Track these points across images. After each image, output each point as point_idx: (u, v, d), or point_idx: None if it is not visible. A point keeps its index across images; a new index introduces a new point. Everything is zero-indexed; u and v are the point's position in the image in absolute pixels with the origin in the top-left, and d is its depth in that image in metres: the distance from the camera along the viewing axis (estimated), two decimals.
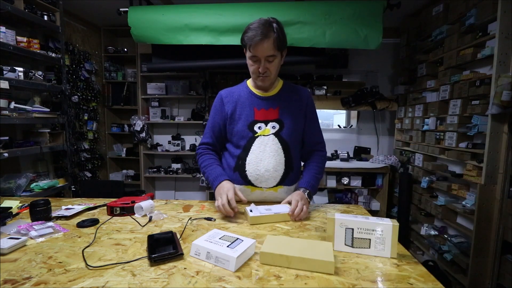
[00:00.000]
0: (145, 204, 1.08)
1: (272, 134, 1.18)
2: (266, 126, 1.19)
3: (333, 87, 3.30)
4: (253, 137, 1.18)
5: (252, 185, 1.20)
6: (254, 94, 1.22)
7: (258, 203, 1.24)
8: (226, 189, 1.07)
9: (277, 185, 1.20)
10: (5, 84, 1.89)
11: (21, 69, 2.10)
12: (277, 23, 1.08)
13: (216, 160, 1.24)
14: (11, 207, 1.14)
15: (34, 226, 0.92)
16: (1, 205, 1.18)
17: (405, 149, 2.96)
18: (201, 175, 3.28)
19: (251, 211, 1.03)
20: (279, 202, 1.18)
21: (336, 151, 3.27)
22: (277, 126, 1.19)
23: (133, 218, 1.06)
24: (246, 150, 1.18)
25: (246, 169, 1.18)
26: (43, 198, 1.06)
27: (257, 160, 1.17)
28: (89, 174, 3.22)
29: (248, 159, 1.18)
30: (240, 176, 1.20)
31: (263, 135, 1.18)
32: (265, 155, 1.17)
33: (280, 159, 1.18)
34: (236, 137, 1.21)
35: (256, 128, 1.19)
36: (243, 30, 1.11)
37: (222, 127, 1.24)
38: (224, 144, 1.29)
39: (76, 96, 2.96)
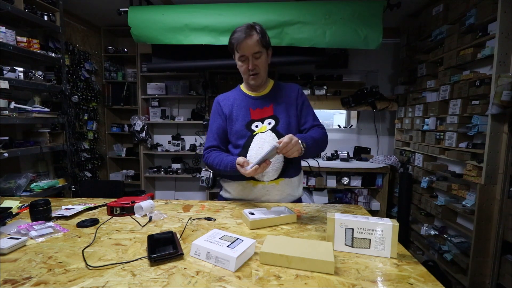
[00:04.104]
0: (145, 204, 1.08)
1: (269, 130, 1.22)
2: (263, 123, 1.24)
3: (333, 87, 3.30)
4: (251, 135, 1.22)
5: (254, 179, 1.22)
6: (248, 95, 1.29)
7: (257, 205, 1.24)
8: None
9: (278, 178, 1.22)
10: (5, 84, 1.89)
11: (21, 69, 2.10)
12: (259, 26, 1.17)
13: (224, 153, 1.25)
14: (11, 207, 1.14)
15: (34, 226, 0.92)
16: (1, 205, 1.18)
17: (405, 149, 2.96)
18: (201, 175, 3.28)
19: (251, 213, 1.02)
20: (279, 200, 1.25)
21: (336, 151, 3.27)
22: (273, 122, 1.23)
23: (133, 218, 1.06)
24: (246, 148, 1.22)
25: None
26: (43, 198, 1.06)
27: (256, 156, 1.18)
28: (89, 174, 3.22)
29: (248, 155, 1.20)
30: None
31: (261, 133, 1.22)
32: (264, 150, 1.18)
33: None
34: (234, 137, 1.25)
35: (253, 127, 1.23)
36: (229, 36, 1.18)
37: (225, 128, 1.28)
38: (227, 147, 1.31)
39: (76, 96, 2.96)
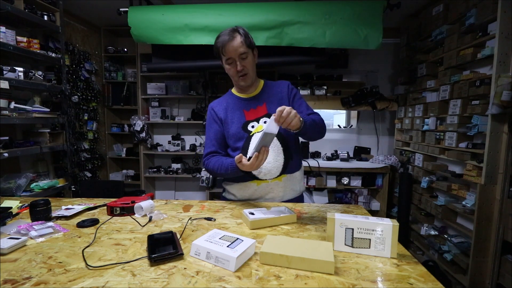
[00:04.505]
0: (145, 204, 1.08)
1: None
2: (258, 123, 1.24)
3: (333, 87, 3.30)
4: (248, 136, 1.22)
5: (257, 179, 1.22)
6: (240, 98, 1.30)
7: (257, 204, 1.24)
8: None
9: (280, 175, 1.23)
10: (5, 84, 1.89)
11: (21, 69, 2.10)
12: (241, 28, 1.19)
13: (223, 157, 1.25)
14: (11, 207, 1.13)
15: (34, 226, 0.92)
16: (1, 205, 1.18)
17: (405, 149, 2.96)
18: (201, 175, 3.29)
19: (251, 213, 1.02)
20: (283, 195, 1.26)
21: (336, 151, 3.27)
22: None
23: (133, 218, 1.06)
24: (245, 150, 1.22)
25: None
26: (43, 198, 1.06)
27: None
28: (89, 174, 3.22)
29: (248, 156, 1.19)
30: (245, 173, 1.20)
31: (258, 132, 1.22)
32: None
33: (278, 149, 1.21)
34: (232, 140, 1.25)
35: (249, 127, 1.24)
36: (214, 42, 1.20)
37: (223, 132, 1.29)
38: (227, 151, 1.31)
39: (76, 96, 2.95)
